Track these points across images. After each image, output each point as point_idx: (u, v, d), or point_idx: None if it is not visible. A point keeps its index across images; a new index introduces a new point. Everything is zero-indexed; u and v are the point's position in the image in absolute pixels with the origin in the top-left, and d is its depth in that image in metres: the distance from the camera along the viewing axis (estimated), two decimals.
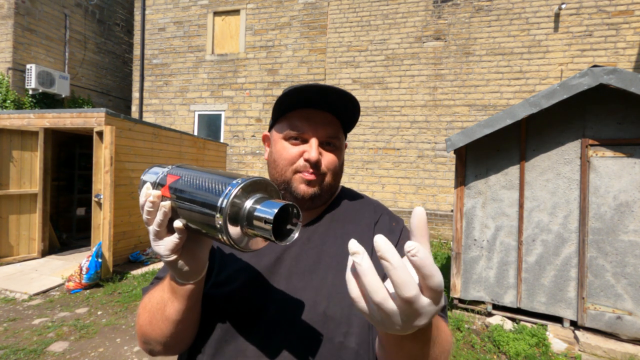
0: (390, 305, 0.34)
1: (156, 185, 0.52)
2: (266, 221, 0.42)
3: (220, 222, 0.43)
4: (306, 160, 0.66)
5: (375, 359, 0.61)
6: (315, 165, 0.66)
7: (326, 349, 0.59)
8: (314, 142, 0.66)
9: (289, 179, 0.68)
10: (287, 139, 0.68)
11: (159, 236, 0.49)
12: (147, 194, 0.49)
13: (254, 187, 0.46)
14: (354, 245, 0.35)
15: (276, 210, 0.42)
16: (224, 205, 0.43)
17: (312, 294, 0.62)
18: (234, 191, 0.43)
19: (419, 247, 0.33)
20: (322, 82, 7.43)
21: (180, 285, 0.54)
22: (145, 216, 0.50)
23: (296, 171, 0.67)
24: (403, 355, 0.46)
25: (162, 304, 0.57)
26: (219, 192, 0.44)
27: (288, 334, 0.59)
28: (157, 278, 0.69)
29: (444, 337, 0.52)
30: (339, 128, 0.71)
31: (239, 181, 0.45)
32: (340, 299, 0.62)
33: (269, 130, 0.76)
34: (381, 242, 0.33)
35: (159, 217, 0.48)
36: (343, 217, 0.74)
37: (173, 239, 0.49)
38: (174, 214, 0.49)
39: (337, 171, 0.71)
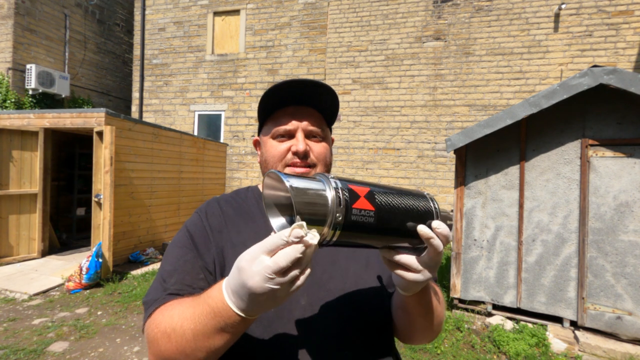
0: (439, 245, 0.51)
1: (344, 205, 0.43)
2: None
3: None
4: (294, 153, 0.69)
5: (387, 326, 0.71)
6: (304, 156, 0.68)
7: (359, 328, 0.66)
8: (300, 134, 0.69)
9: None
10: (274, 137, 0.71)
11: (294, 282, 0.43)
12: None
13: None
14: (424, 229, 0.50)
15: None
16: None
17: (339, 283, 0.68)
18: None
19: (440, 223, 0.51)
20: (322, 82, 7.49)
21: (246, 319, 0.48)
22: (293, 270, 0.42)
23: (286, 165, 0.70)
24: (420, 309, 0.63)
25: (204, 334, 0.50)
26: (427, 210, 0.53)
27: (323, 320, 0.64)
28: (171, 293, 0.62)
29: (441, 295, 0.71)
30: (322, 120, 0.74)
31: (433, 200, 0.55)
32: (364, 284, 0.69)
33: (258, 135, 0.79)
34: (425, 230, 0.50)
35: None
36: None
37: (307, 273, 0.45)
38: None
39: (328, 161, 0.74)
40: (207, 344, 0.50)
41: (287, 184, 0.41)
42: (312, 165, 0.70)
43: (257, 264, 0.42)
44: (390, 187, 0.51)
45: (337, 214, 0.42)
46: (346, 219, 0.43)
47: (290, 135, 0.70)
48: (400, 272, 0.53)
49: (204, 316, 0.50)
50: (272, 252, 0.42)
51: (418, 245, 0.52)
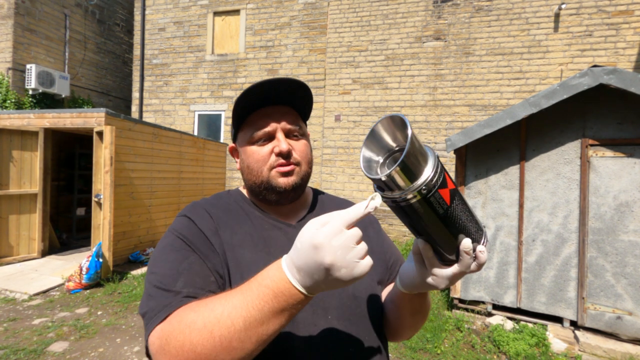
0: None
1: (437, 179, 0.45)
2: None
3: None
4: (278, 154, 0.68)
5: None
6: (287, 155, 0.68)
7: (360, 324, 0.68)
8: (280, 135, 0.69)
9: (267, 177, 0.69)
10: (254, 142, 0.70)
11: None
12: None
13: None
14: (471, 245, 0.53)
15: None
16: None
17: None
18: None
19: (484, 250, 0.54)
20: (320, 82, 7.37)
21: (306, 297, 0.47)
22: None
23: (271, 168, 0.69)
24: (412, 308, 0.66)
25: (259, 320, 0.46)
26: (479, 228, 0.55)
27: (326, 318, 0.65)
28: (187, 296, 0.56)
29: (429, 300, 0.72)
30: (298, 116, 0.73)
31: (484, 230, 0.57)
32: (362, 280, 0.68)
33: (234, 142, 0.77)
34: (468, 244, 0.51)
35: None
36: (331, 210, 0.75)
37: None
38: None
39: (309, 158, 0.74)
40: (260, 331, 0.46)
41: (409, 132, 0.44)
42: (297, 164, 0.70)
43: (338, 239, 0.44)
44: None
45: (424, 187, 0.45)
46: (428, 194, 0.45)
47: (270, 137, 0.69)
48: (420, 266, 0.56)
49: (261, 299, 0.46)
50: (352, 225, 0.45)
51: (451, 256, 0.53)
